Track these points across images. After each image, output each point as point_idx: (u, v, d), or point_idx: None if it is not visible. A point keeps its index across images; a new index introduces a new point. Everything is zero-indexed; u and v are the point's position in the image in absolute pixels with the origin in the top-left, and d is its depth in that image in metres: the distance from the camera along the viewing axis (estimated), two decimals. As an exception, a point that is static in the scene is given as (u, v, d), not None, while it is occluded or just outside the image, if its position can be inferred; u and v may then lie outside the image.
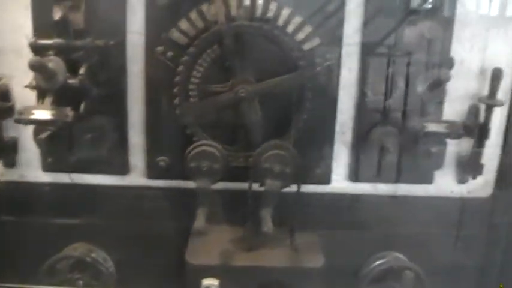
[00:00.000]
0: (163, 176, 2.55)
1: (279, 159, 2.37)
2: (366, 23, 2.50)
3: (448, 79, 2.28)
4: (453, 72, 2.54)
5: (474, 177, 2.61)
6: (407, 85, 2.39)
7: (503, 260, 2.76)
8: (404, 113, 2.42)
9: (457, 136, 2.36)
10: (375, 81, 2.49)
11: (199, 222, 2.32)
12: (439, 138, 2.46)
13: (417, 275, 2.57)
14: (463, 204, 2.69)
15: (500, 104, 2.49)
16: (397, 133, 2.46)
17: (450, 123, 2.35)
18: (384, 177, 2.61)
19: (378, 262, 2.69)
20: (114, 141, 2.56)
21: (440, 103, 2.49)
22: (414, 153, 2.48)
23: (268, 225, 2.30)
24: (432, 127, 2.32)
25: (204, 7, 2.37)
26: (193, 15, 2.37)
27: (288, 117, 2.46)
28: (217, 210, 2.53)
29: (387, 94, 2.44)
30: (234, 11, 2.38)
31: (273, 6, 2.39)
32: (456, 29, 2.54)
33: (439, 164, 2.56)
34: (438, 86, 2.27)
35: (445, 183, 2.67)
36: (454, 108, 2.60)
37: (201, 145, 2.38)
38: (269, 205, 2.38)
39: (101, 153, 2.55)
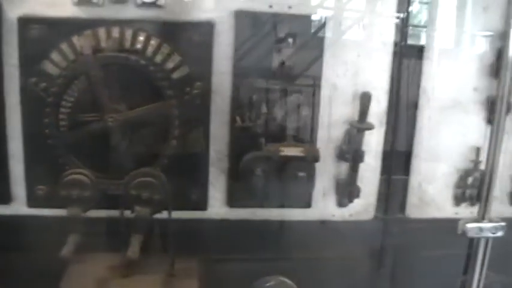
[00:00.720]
0: (42, 204, 2.67)
1: (147, 186, 2.49)
2: (237, 51, 2.60)
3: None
4: (328, 97, 2.65)
5: (351, 201, 2.72)
6: (272, 111, 2.51)
7: (388, 282, 2.85)
8: (267, 139, 2.53)
9: (314, 159, 2.48)
10: (245, 108, 2.59)
11: (67, 249, 2.43)
12: (306, 162, 2.56)
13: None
14: (345, 228, 2.78)
15: (371, 128, 2.63)
16: (267, 158, 2.55)
17: (306, 147, 2.48)
18: (262, 202, 2.70)
19: (264, 286, 2.77)
20: (-5, 171, 2.67)
21: (308, 128, 2.58)
22: (286, 178, 2.58)
23: (133, 250, 2.44)
24: (288, 151, 2.44)
25: (75, 39, 2.50)
26: (64, 46, 2.51)
27: (157, 145, 2.57)
28: (96, 238, 2.64)
29: (255, 121, 2.55)
30: (103, 43, 2.50)
31: (142, 38, 2.52)
32: (327, 55, 2.64)
33: (309, 188, 2.67)
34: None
35: (325, 207, 2.79)
36: (330, 132, 2.71)
37: (71, 173, 2.51)
38: (139, 231, 2.51)
39: (-18, 184, 2.66)
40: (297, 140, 2.59)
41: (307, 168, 2.63)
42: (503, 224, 2.25)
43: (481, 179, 2.26)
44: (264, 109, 2.53)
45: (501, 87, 2.16)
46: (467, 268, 2.32)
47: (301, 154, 2.50)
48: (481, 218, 2.25)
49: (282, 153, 2.48)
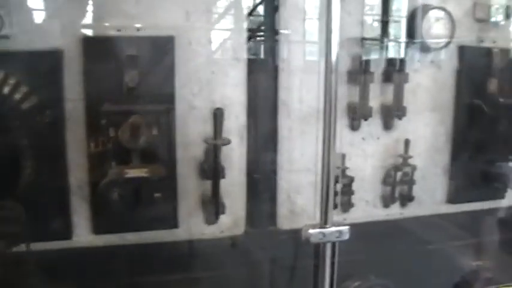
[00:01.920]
0: None
1: (0, 220, 2.50)
2: (87, 77, 2.67)
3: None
4: (184, 116, 2.72)
5: (217, 217, 2.77)
6: (119, 134, 2.56)
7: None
8: (121, 162, 2.59)
9: (158, 179, 2.53)
10: (98, 133, 2.63)
11: None
12: (164, 183, 2.62)
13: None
14: (217, 245, 2.83)
15: (226, 143, 2.70)
16: (121, 182, 2.60)
17: (151, 168, 2.53)
18: (129, 227, 2.74)
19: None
20: None
21: (161, 148, 2.64)
22: (143, 200, 2.62)
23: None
24: (132, 173, 2.49)
25: None
26: None
27: (13, 176, 2.59)
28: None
29: (106, 145, 2.60)
30: None
31: (-13, 71, 2.57)
32: (179, 74, 2.71)
33: (172, 208, 2.73)
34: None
35: (194, 226, 2.84)
36: (191, 151, 2.77)
37: None
38: (-4, 265, 2.52)
39: None
40: (148, 161, 2.61)
41: (166, 189, 2.67)
42: (346, 227, 2.31)
43: (322, 183, 2.29)
44: (111, 133, 2.56)
45: (327, 92, 2.22)
46: (317, 275, 2.35)
47: (146, 175, 2.54)
48: (323, 223, 2.30)
49: (127, 175, 2.52)
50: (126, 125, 2.58)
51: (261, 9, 3.20)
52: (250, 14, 2.94)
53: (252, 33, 2.95)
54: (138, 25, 2.78)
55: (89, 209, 2.85)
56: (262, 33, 3.07)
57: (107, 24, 2.77)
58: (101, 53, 2.76)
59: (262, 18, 3.08)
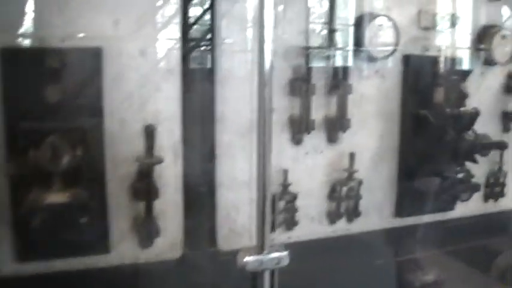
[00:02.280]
0: None
1: None
2: (7, 92, 2.47)
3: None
4: (114, 133, 2.50)
5: (151, 241, 2.57)
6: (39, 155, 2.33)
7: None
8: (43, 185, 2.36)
9: (83, 204, 2.31)
10: (18, 153, 2.40)
11: None
12: (90, 207, 2.39)
13: None
14: (152, 269, 2.62)
15: (159, 162, 2.50)
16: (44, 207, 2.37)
17: (73, 192, 2.32)
18: (57, 253, 2.52)
19: None
20: None
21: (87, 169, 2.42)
22: (70, 226, 2.40)
23: None
24: (53, 198, 2.26)
25: None
26: None
27: None
28: None
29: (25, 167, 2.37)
30: None
31: None
32: (108, 88, 2.50)
33: (102, 233, 2.52)
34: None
35: (127, 250, 2.63)
36: (122, 171, 2.56)
37: None
38: None
39: None
40: (72, 185, 2.38)
41: (94, 212, 2.45)
42: (285, 253, 2.13)
43: (258, 206, 2.10)
44: (31, 153, 2.32)
45: (261, 104, 2.04)
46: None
47: (67, 200, 2.31)
48: (260, 248, 2.11)
49: (47, 201, 2.28)
50: (44, 146, 2.34)
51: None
52: (194, 24, 2.73)
53: (192, 44, 2.74)
54: (62, 35, 2.53)
55: (11, 235, 2.59)
56: (201, 43, 2.86)
57: (27, 34, 2.52)
58: (20, 65, 2.52)
59: (202, 28, 2.87)
